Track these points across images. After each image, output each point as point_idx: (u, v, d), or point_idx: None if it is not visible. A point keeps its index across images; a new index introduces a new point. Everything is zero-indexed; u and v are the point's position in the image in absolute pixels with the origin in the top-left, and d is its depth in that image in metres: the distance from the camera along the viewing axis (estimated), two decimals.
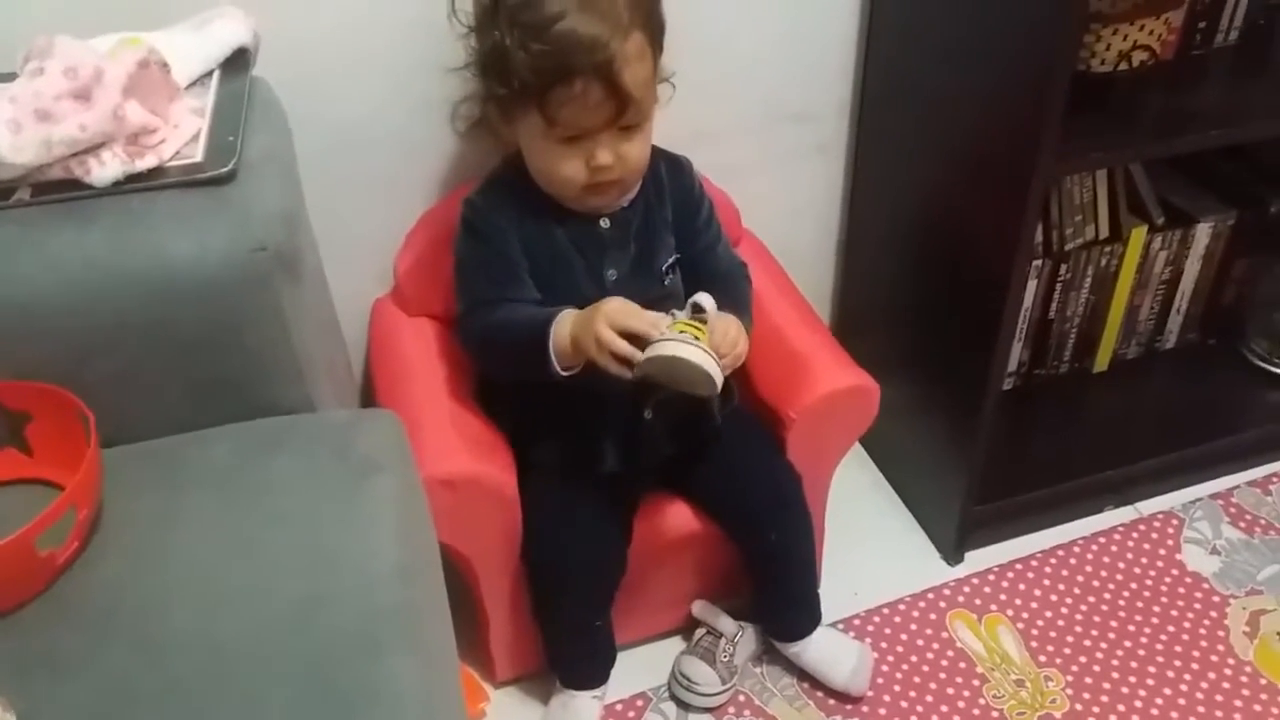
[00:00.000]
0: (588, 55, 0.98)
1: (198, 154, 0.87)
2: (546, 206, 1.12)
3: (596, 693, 1.25)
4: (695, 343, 0.99)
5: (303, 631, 0.74)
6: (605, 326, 1.01)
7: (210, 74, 0.99)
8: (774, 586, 1.28)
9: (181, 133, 0.88)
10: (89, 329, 0.83)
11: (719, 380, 1.01)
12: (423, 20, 1.13)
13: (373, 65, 1.18)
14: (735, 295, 1.17)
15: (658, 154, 1.17)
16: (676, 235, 1.19)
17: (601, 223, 1.14)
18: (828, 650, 1.29)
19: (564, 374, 1.06)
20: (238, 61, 1.00)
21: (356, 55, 1.17)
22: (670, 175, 1.19)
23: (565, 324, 1.06)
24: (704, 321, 1.04)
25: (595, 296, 1.11)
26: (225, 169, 0.85)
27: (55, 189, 0.83)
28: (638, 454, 1.19)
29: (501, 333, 1.10)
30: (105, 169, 0.82)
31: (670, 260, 1.18)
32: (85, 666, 0.72)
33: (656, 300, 1.14)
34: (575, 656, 1.25)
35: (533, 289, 1.13)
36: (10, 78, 0.87)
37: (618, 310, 1.02)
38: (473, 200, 1.14)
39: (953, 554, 1.46)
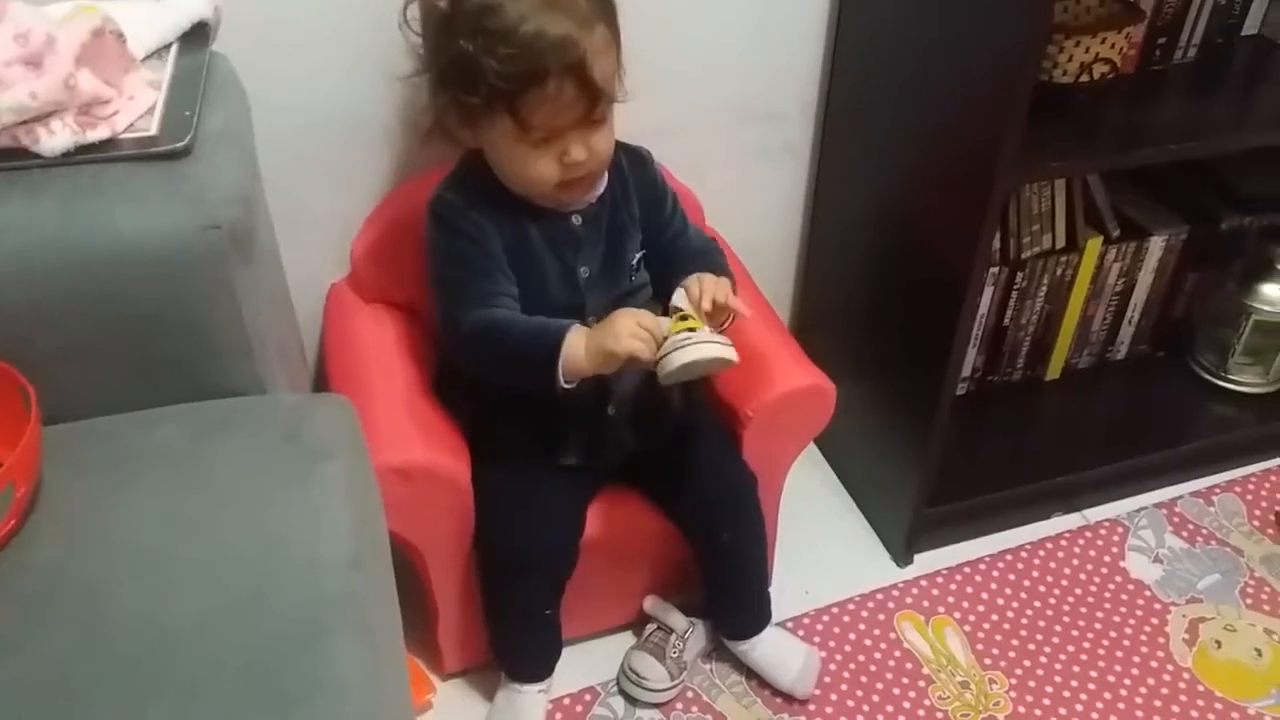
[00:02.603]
0: (560, 54, 0.97)
1: (152, 127, 0.85)
2: (518, 204, 1.10)
3: (542, 686, 1.24)
4: (700, 339, 1.02)
5: (248, 618, 0.73)
6: (625, 319, 1.02)
7: (168, 47, 0.96)
8: (725, 586, 1.28)
9: (136, 105, 0.86)
10: (35, 302, 0.81)
11: (733, 356, 1.03)
12: (386, 3, 1.12)
13: (335, 46, 1.17)
14: (714, 266, 1.16)
15: (618, 147, 1.16)
16: (645, 228, 1.18)
17: (574, 219, 1.13)
18: (775, 651, 1.30)
19: (566, 387, 1.05)
20: (197, 35, 0.98)
21: (319, 35, 1.15)
22: (632, 168, 1.18)
23: (579, 338, 1.04)
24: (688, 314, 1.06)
25: (568, 295, 1.13)
26: (180, 144, 0.83)
27: (2, 157, 0.81)
28: (599, 449, 1.19)
29: (504, 335, 1.07)
30: (55, 139, 0.80)
31: (638, 255, 1.17)
32: (20, 648, 0.70)
33: (626, 296, 1.15)
34: (522, 646, 1.24)
35: (514, 283, 1.11)
36: None
37: (631, 311, 1.04)
38: (446, 197, 1.11)
39: (902, 555, 1.48)
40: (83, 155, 0.82)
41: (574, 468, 1.19)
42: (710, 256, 1.19)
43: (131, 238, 0.80)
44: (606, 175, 1.15)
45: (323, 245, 1.29)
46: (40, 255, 0.79)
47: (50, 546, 0.76)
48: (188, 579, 0.75)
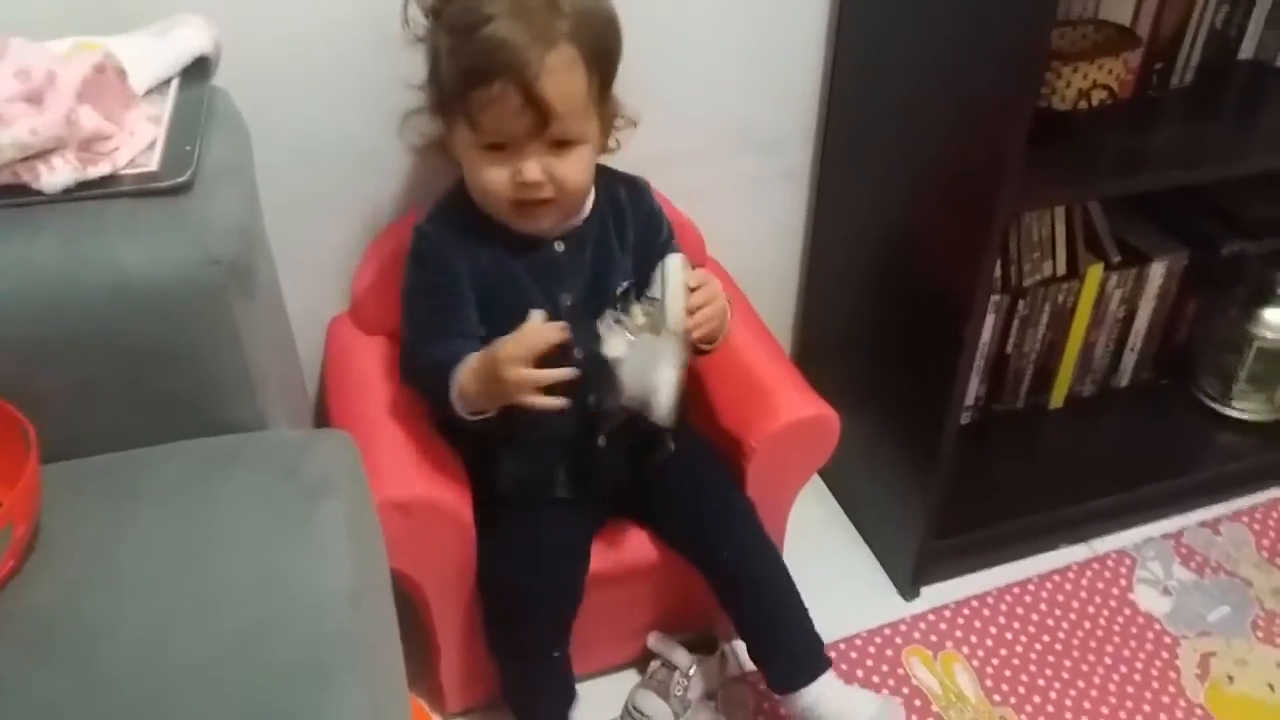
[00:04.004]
0: (505, 59, 0.97)
1: (153, 163, 0.84)
2: (497, 231, 1.10)
3: None
4: (666, 357, 1.02)
5: (249, 659, 0.71)
6: (513, 368, 1.01)
7: (169, 81, 0.96)
8: (753, 624, 1.19)
9: (137, 140, 0.85)
10: (35, 339, 0.80)
11: (662, 388, 1.01)
12: (386, 35, 1.12)
13: (335, 79, 1.17)
14: None
15: (615, 177, 1.17)
16: (638, 257, 1.17)
17: (555, 245, 1.12)
18: (835, 708, 1.14)
19: (473, 419, 1.08)
20: (198, 70, 0.98)
21: (319, 68, 1.16)
22: (631, 199, 1.18)
23: (469, 380, 1.06)
24: (648, 310, 1.05)
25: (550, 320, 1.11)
26: (181, 179, 0.82)
27: (2, 194, 0.80)
28: (590, 481, 1.18)
29: (432, 373, 1.10)
30: (56, 175, 0.79)
31: (625, 284, 1.16)
32: (19, 691, 0.69)
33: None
34: (533, 691, 1.21)
35: (475, 323, 1.11)
36: None
37: (515, 346, 1.02)
38: (423, 229, 1.13)
39: (909, 589, 1.46)
40: (84, 191, 0.81)
41: (570, 501, 1.17)
42: None
43: (132, 273, 0.79)
44: (590, 204, 1.14)
45: (324, 278, 1.29)
46: (41, 292, 0.78)
47: (50, 587, 0.75)
48: (188, 619, 0.73)
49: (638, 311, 1.06)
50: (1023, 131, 1.08)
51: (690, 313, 1.05)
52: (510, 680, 1.21)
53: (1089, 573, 1.50)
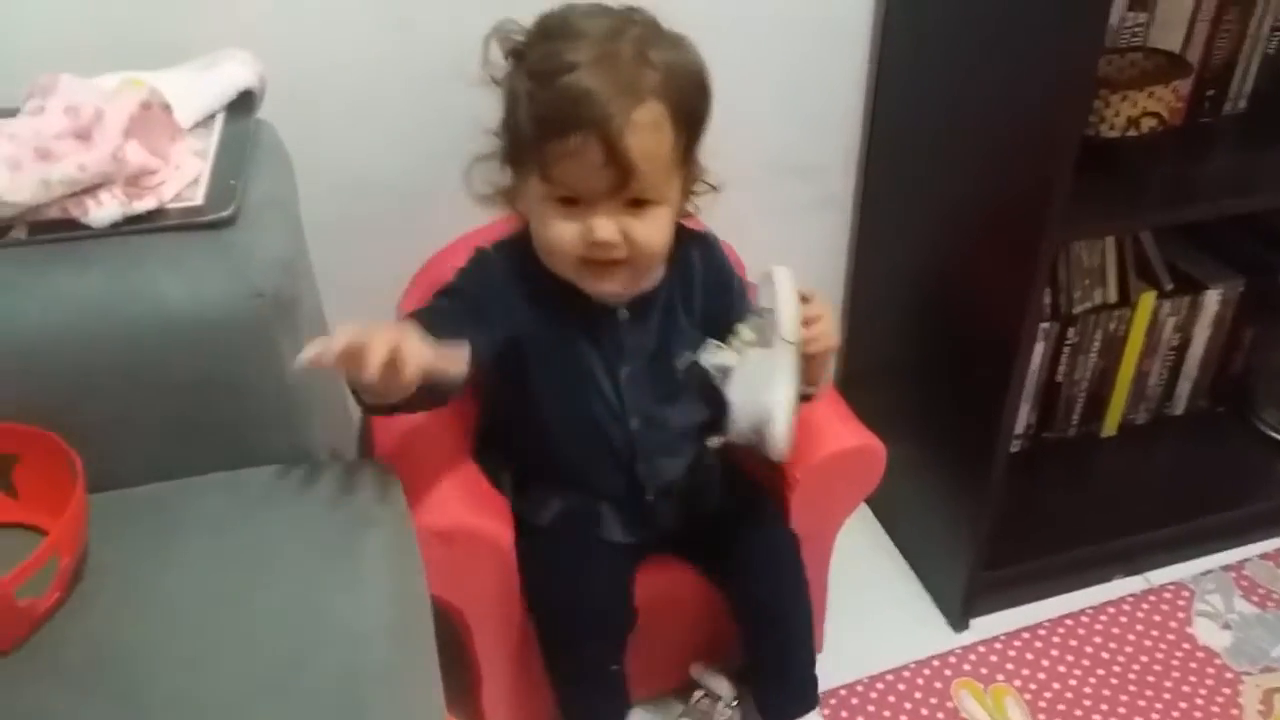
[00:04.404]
0: (589, 110, 0.90)
1: (198, 197, 0.86)
2: (560, 291, 1.04)
3: None
4: (782, 375, 0.93)
5: (287, 692, 0.72)
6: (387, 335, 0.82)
7: (214, 115, 0.98)
8: (766, 658, 1.21)
9: (182, 174, 0.87)
10: (81, 372, 0.81)
11: (778, 406, 0.92)
12: (431, 67, 1.13)
13: (380, 111, 1.18)
14: None
15: (689, 237, 1.09)
16: (706, 321, 1.10)
17: (620, 313, 1.06)
18: None
19: (366, 407, 0.93)
20: (243, 104, 1.00)
21: (363, 100, 1.17)
22: (703, 259, 1.12)
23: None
24: (756, 324, 0.97)
25: (606, 392, 1.08)
26: (225, 213, 0.84)
27: (52, 229, 0.82)
28: (640, 529, 1.17)
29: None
30: (103, 210, 0.81)
31: (690, 360, 1.07)
32: None
33: (670, 398, 1.11)
34: (589, 709, 1.19)
35: (457, 335, 0.96)
36: (14, 113, 0.87)
37: (409, 341, 0.84)
38: (485, 250, 1.08)
39: (959, 620, 1.43)
40: (130, 226, 0.83)
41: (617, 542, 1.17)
42: None
43: (177, 307, 0.80)
44: (663, 271, 1.07)
45: (368, 308, 1.27)
46: (88, 325, 0.80)
47: (95, 617, 0.76)
48: (228, 652, 0.74)
49: (744, 329, 0.99)
50: (1070, 161, 1.06)
51: (805, 324, 0.98)
52: (566, 698, 1.19)
53: (1145, 605, 1.46)
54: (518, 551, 1.13)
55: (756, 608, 1.20)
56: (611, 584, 1.15)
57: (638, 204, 0.97)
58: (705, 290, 1.11)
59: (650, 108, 0.93)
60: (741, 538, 1.19)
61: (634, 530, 1.16)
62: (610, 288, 1.02)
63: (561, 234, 0.98)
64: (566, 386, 1.06)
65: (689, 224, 1.10)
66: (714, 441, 1.04)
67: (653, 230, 0.99)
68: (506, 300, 1.04)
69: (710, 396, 1.06)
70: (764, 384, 0.94)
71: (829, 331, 1.01)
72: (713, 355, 0.98)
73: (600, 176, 0.93)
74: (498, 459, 1.17)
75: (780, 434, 0.92)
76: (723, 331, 1.03)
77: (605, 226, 0.96)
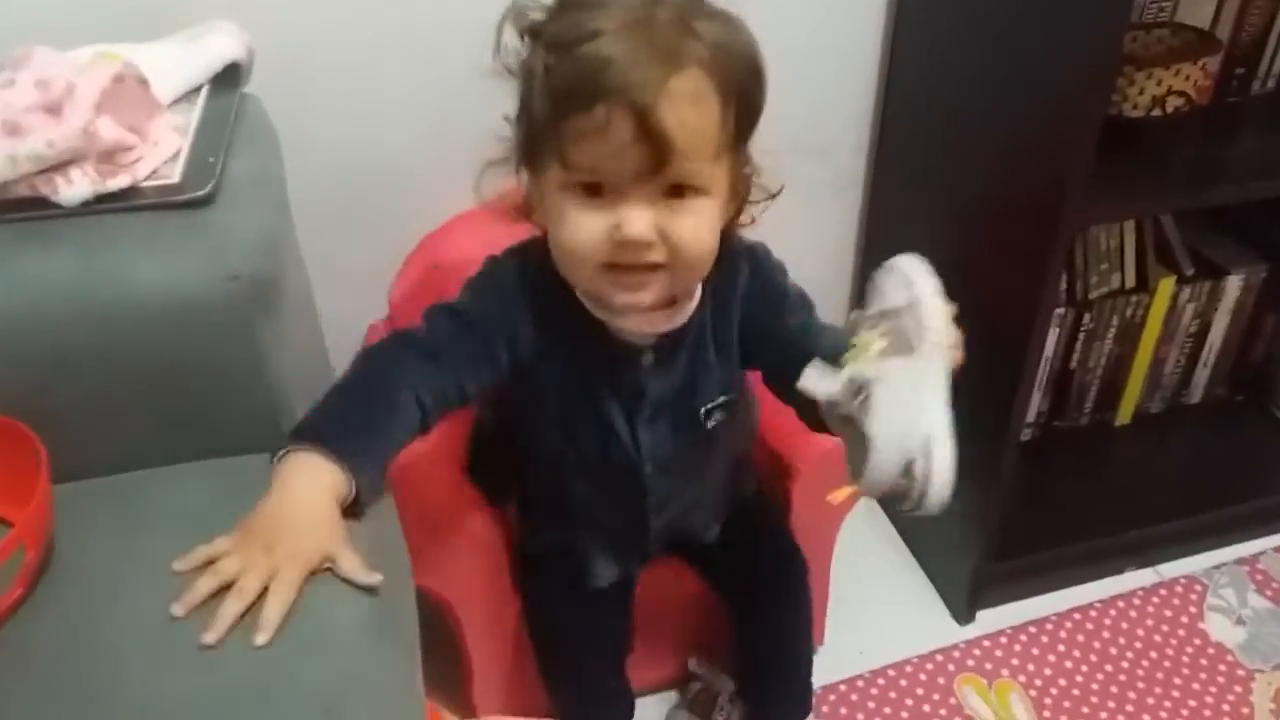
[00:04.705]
0: (615, 77, 0.74)
1: (175, 174, 0.82)
2: (579, 316, 0.90)
3: None
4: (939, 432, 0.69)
5: (262, 695, 0.68)
6: (290, 567, 0.72)
7: (199, 89, 0.94)
8: (764, 667, 1.17)
9: (160, 151, 0.83)
10: (50, 356, 0.78)
11: (940, 435, 0.68)
12: (430, 43, 1.09)
13: (374, 88, 1.14)
14: None
15: (732, 251, 0.91)
16: (747, 338, 0.95)
17: (644, 358, 0.92)
18: None
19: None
20: (229, 77, 0.96)
21: (358, 76, 1.13)
22: (751, 274, 0.95)
23: (293, 474, 0.77)
24: (886, 329, 0.73)
25: (624, 440, 0.97)
26: (203, 191, 0.80)
27: (20, 207, 0.78)
28: (631, 564, 1.12)
29: (344, 378, 0.87)
30: (74, 188, 0.77)
31: (717, 402, 0.97)
32: None
33: (691, 446, 1.00)
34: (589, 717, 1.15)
35: (458, 372, 0.88)
36: None
37: (308, 557, 0.73)
38: (497, 258, 0.94)
39: (964, 613, 1.40)
40: (103, 205, 0.79)
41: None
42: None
43: (149, 290, 0.77)
44: (698, 298, 0.91)
45: (360, 287, 1.26)
46: (55, 308, 0.76)
47: (61, 616, 0.72)
48: (198, 653, 0.70)
49: (872, 337, 0.74)
50: (1092, 142, 1.02)
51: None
52: (565, 712, 1.14)
53: (1156, 599, 1.43)
54: (518, 569, 1.10)
55: (758, 632, 1.16)
56: (605, 614, 1.11)
57: (677, 193, 0.80)
58: (746, 305, 0.94)
59: (691, 76, 0.77)
60: (747, 560, 1.14)
61: (628, 565, 1.11)
62: (643, 299, 0.84)
63: (582, 230, 0.80)
64: (578, 430, 0.96)
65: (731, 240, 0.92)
66: (837, 497, 0.79)
67: (696, 226, 0.81)
68: (515, 321, 0.90)
69: (727, 439, 1.00)
70: (915, 404, 0.70)
71: (959, 340, 0.78)
72: (825, 379, 0.73)
73: (630, 156, 0.76)
74: (496, 474, 1.10)
75: (944, 470, 0.68)
76: (772, 351, 0.90)
77: (638, 219, 0.79)
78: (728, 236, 0.88)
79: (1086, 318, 1.43)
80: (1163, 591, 1.44)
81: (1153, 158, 1.18)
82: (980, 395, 1.27)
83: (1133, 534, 1.44)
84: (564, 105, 0.77)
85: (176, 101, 0.92)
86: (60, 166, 0.77)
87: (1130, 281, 1.44)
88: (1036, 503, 1.45)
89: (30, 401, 0.77)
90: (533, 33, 0.82)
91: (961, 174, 1.25)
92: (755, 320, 0.95)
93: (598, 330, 0.90)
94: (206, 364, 0.81)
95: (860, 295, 1.51)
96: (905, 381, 0.71)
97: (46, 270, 0.77)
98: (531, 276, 0.91)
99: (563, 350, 0.91)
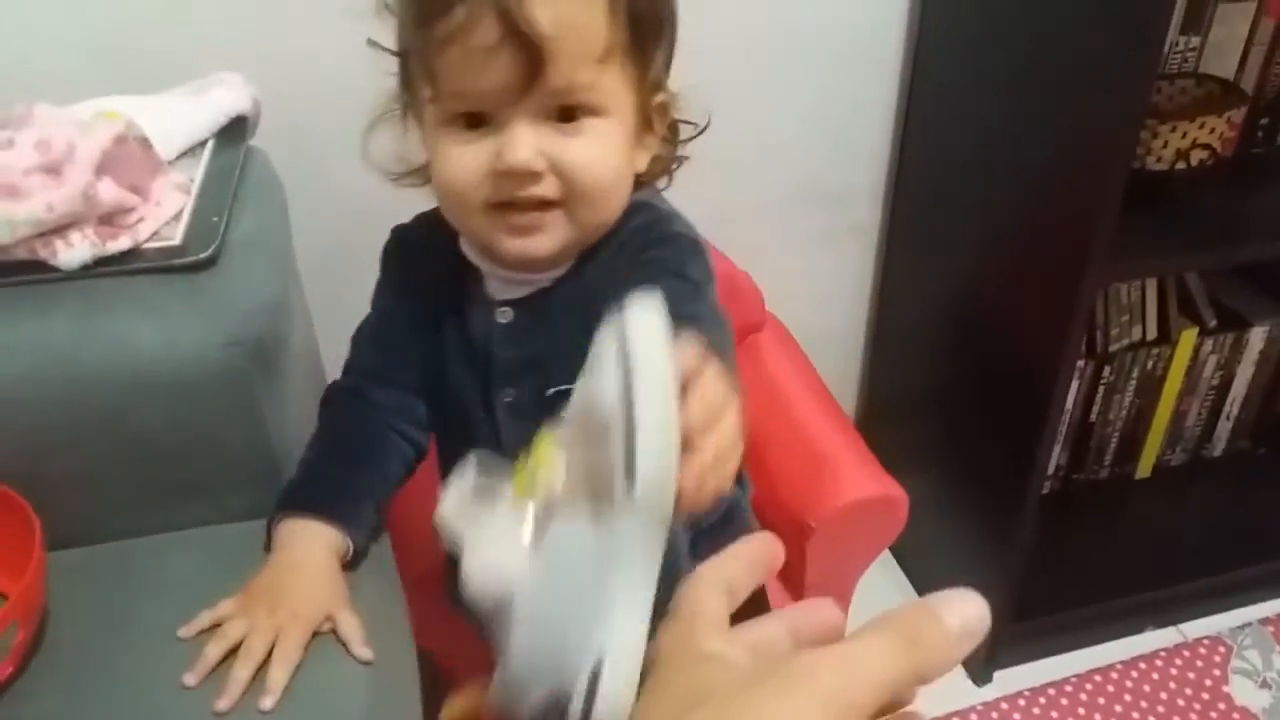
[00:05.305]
0: None
1: (177, 235, 0.80)
2: (464, 272, 0.79)
3: None
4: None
5: None
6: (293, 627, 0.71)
7: (204, 144, 0.92)
8: None
9: (162, 211, 0.81)
10: (45, 424, 0.76)
11: (612, 658, 0.37)
12: None
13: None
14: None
15: (651, 214, 0.76)
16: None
17: (499, 314, 0.77)
18: None
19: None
20: (235, 130, 0.94)
21: (360, 125, 1.11)
22: (638, 233, 0.76)
23: (280, 542, 0.75)
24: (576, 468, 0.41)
25: (481, 426, 0.79)
26: (204, 254, 0.78)
27: (18, 270, 0.76)
28: None
29: (315, 435, 0.83)
30: (73, 251, 0.75)
31: (572, 388, 0.74)
32: None
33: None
34: None
35: (414, 375, 0.81)
36: None
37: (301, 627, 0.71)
38: (402, 226, 0.85)
39: (981, 673, 1.36)
40: (102, 268, 0.77)
41: None
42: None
43: (147, 356, 0.75)
44: (581, 252, 0.75)
45: None
46: (52, 374, 0.74)
47: (51, 698, 0.70)
48: None
49: (545, 458, 0.43)
50: (1117, 197, 0.99)
51: (686, 447, 0.42)
52: None
53: (1179, 660, 1.39)
54: None
55: None
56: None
57: (568, 116, 0.68)
58: (616, 278, 0.72)
59: None
60: None
61: None
62: (537, 247, 0.71)
63: (460, 163, 0.69)
64: (445, 413, 0.82)
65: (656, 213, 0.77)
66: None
67: (590, 151, 0.69)
68: (424, 291, 0.81)
69: None
70: (578, 613, 0.39)
71: (730, 447, 0.48)
72: (456, 512, 0.45)
73: (499, 62, 0.65)
74: None
75: (614, 711, 0.37)
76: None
77: (521, 143, 0.67)
78: (642, 185, 0.76)
79: (1107, 370, 1.41)
80: (1185, 653, 1.40)
81: (1178, 213, 1.15)
82: (999, 449, 1.25)
83: (1154, 592, 1.40)
84: (424, 11, 0.67)
85: (181, 156, 0.90)
86: (60, 229, 0.75)
87: (1152, 333, 1.41)
88: (1055, 559, 1.41)
89: (24, 468, 0.75)
90: None
91: (979, 226, 1.23)
92: (631, 274, 0.73)
93: (475, 285, 0.78)
94: (205, 430, 0.79)
95: (876, 342, 1.50)
96: (571, 570, 0.40)
97: (43, 335, 0.75)
98: (432, 237, 0.80)
99: (448, 312, 0.80)
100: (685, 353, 0.44)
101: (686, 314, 0.57)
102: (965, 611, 0.33)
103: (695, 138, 0.80)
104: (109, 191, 0.76)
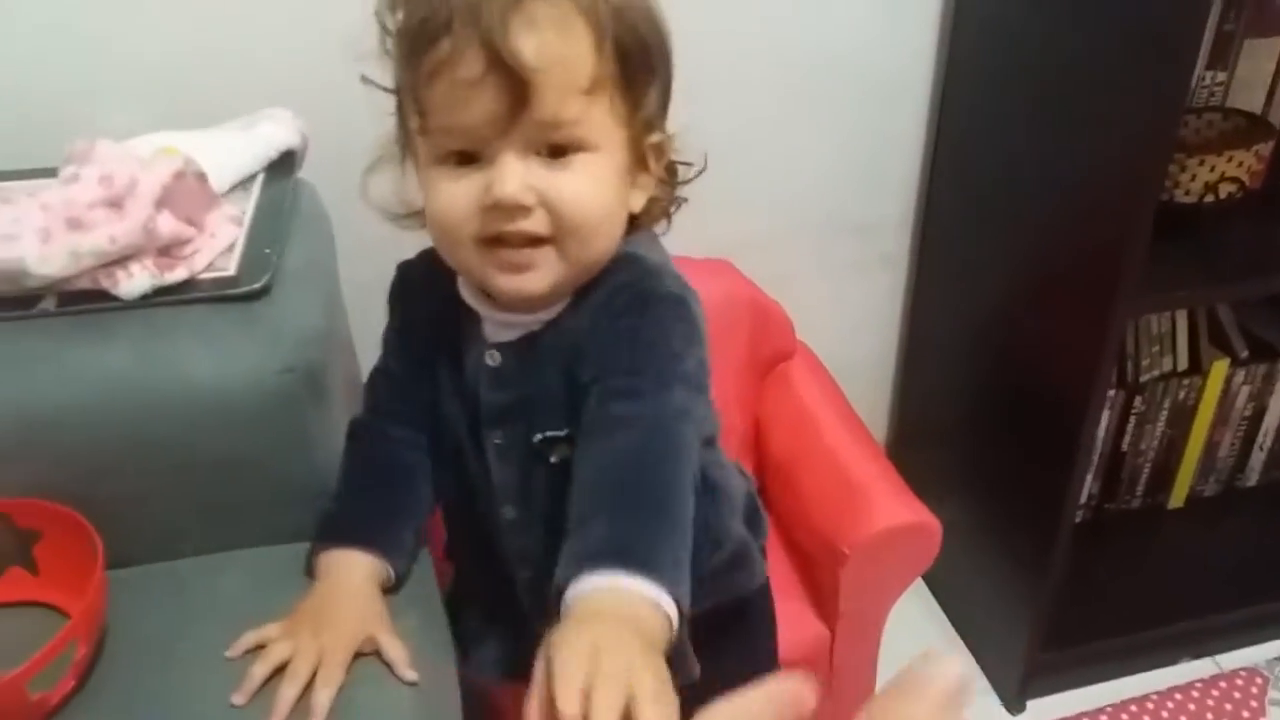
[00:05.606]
0: (461, 2, 0.64)
1: (231, 266, 0.83)
2: (459, 311, 0.79)
3: None
4: None
5: None
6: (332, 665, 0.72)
7: (254, 177, 0.96)
8: None
9: (217, 243, 0.84)
10: (105, 447, 0.78)
11: None
12: None
13: None
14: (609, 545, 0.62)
15: (631, 270, 0.74)
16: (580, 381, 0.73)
17: (488, 356, 0.77)
18: None
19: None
20: (284, 164, 0.98)
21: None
22: (628, 291, 0.74)
23: (323, 569, 0.78)
24: None
25: (471, 468, 0.80)
26: (257, 285, 0.81)
27: (81, 299, 0.80)
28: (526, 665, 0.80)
29: (342, 468, 0.84)
30: (133, 281, 0.79)
31: (560, 433, 0.75)
32: None
33: (547, 489, 0.76)
34: None
35: (421, 412, 0.82)
36: (53, 172, 0.85)
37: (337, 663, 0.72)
38: (406, 262, 0.85)
39: (1014, 702, 1.36)
40: (160, 297, 0.80)
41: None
42: (609, 477, 0.68)
43: (203, 383, 0.78)
44: (573, 295, 0.74)
45: None
46: (112, 400, 0.77)
47: (106, 710, 0.72)
48: None
49: None
50: (1146, 230, 1.01)
51: None
52: None
53: (1215, 692, 1.38)
54: None
55: None
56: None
57: (558, 152, 0.68)
58: (595, 342, 0.73)
59: (554, 2, 0.66)
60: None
61: (521, 666, 0.75)
62: (529, 285, 0.71)
63: (450, 198, 0.69)
64: (441, 449, 0.83)
65: (643, 259, 0.75)
66: None
67: (580, 185, 0.68)
68: (425, 327, 0.81)
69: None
70: None
71: None
72: None
73: (484, 96, 0.65)
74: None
75: None
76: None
77: (509, 176, 0.66)
78: (639, 228, 0.76)
79: (1138, 400, 1.41)
80: (1222, 684, 1.39)
81: (1207, 245, 1.16)
82: (1031, 479, 1.26)
83: (1188, 623, 1.40)
84: (412, 46, 0.67)
85: (233, 189, 0.93)
86: (121, 260, 0.78)
87: (1183, 364, 1.42)
88: (1088, 588, 1.42)
89: (84, 489, 0.78)
90: None
91: (1008, 258, 1.25)
92: (592, 342, 0.73)
93: (472, 325, 0.78)
94: (256, 453, 0.82)
95: (906, 370, 1.52)
96: None
97: (104, 362, 0.78)
98: (435, 274, 0.79)
99: (444, 352, 0.80)
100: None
101: (652, 390, 0.69)
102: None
103: (693, 179, 0.80)
104: (168, 224, 0.79)
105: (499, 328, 0.77)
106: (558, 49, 0.65)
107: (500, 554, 0.83)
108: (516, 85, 0.64)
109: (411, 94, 0.68)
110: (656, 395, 0.69)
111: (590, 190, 0.69)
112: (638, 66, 0.70)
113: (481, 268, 0.71)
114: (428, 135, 0.69)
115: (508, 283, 0.71)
